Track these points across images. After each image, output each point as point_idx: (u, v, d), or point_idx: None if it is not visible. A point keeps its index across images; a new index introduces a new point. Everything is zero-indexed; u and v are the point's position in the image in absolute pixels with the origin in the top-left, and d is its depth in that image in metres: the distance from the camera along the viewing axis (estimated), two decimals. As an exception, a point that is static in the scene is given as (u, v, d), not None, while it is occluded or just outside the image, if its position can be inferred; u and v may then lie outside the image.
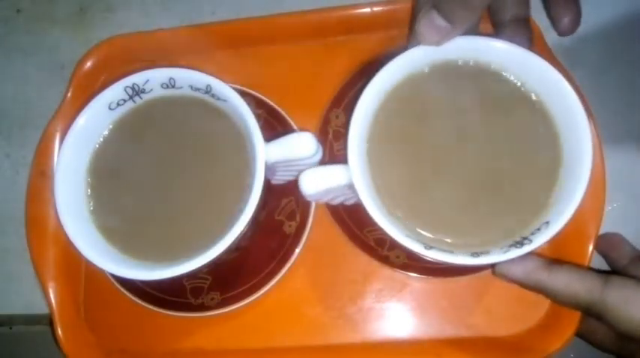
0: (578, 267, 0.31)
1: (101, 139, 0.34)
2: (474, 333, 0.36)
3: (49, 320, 0.39)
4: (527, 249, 0.28)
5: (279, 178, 0.36)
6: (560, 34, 0.35)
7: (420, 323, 0.37)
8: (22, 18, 0.47)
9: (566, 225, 0.28)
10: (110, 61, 0.42)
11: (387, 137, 0.32)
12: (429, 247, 0.28)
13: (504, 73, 0.31)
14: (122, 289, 0.38)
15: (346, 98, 0.39)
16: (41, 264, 0.39)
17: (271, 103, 0.39)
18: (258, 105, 0.38)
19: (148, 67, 0.33)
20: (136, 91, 0.33)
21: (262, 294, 0.37)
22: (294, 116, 0.39)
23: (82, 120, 0.33)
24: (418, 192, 0.31)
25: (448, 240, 0.30)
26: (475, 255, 0.28)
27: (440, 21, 0.29)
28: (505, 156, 0.31)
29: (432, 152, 0.32)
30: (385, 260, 0.36)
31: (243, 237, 0.31)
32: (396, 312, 0.37)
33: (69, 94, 0.40)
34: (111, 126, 0.34)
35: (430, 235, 0.30)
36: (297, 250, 0.37)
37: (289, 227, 0.38)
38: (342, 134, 0.38)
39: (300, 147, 0.31)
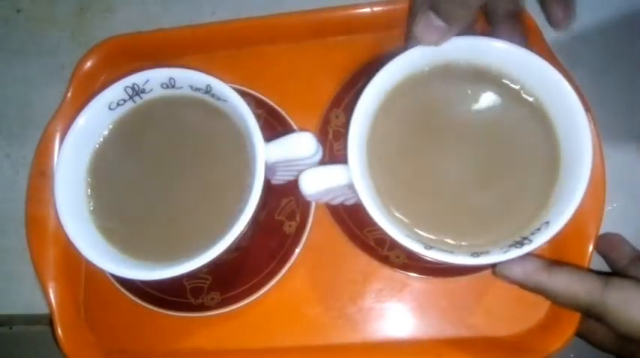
0: (578, 268, 0.31)
1: (101, 139, 0.34)
2: (474, 333, 0.36)
3: (49, 320, 0.39)
4: (527, 249, 0.28)
5: (279, 178, 0.36)
6: (556, 28, 0.35)
7: (420, 323, 0.37)
8: (22, 18, 0.47)
9: (566, 225, 0.28)
10: (110, 61, 0.42)
11: (387, 137, 0.32)
12: (429, 247, 0.28)
13: (504, 73, 0.31)
14: (122, 289, 0.38)
15: (346, 98, 0.39)
16: (41, 264, 0.39)
17: (271, 103, 0.39)
18: (258, 105, 0.38)
19: (148, 67, 0.33)
20: (136, 91, 0.33)
21: (262, 294, 0.37)
22: (294, 116, 0.39)
23: (82, 120, 0.33)
24: (418, 192, 0.31)
25: (448, 241, 0.30)
26: (475, 255, 0.28)
27: (437, 21, 0.29)
28: (505, 156, 0.31)
29: (431, 152, 0.32)
30: (385, 260, 0.36)
31: (243, 237, 0.31)
32: (396, 312, 0.37)
33: (69, 94, 0.40)
34: (111, 126, 0.34)
35: (430, 235, 0.30)
36: (297, 250, 0.37)
37: (289, 227, 0.38)
38: (342, 134, 0.38)
39: (300, 147, 0.31)
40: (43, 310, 0.39)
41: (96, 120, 0.34)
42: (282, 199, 0.38)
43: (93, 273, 0.40)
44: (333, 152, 0.38)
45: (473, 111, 0.32)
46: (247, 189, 0.31)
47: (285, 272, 0.37)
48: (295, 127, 0.38)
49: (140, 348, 0.39)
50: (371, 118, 0.31)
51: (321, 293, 0.38)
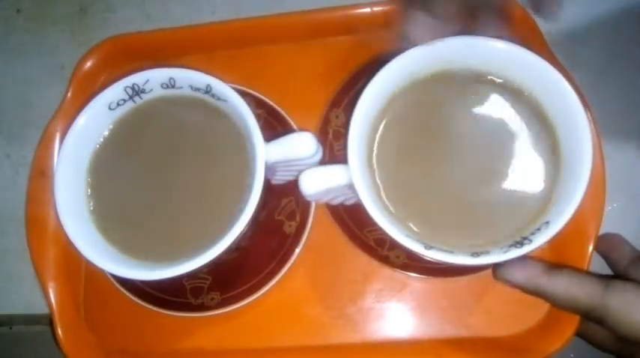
0: (579, 271, 0.31)
1: (101, 139, 0.34)
2: (474, 333, 0.36)
3: (49, 320, 0.39)
4: (527, 249, 0.28)
5: (279, 178, 0.36)
6: (542, 16, 0.35)
7: (420, 323, 0.37)
8: (22, 18, 0.47)
9: (566, 225, 0.28)
10: (110, 61, 0.42)
11: (388, 137, 0.32)
12: (429, 247, 0.28)
13: (504, 73, 0.31)
14: (122, 289, 0.38)
15: (346, 98, 0.39)
16: (41, 264, 0.39)
17: (271, 103, 0.39)
18: (258, 105, 0.38)
19: (148, 67, 0.33)
20: (136, 91, 0.33)
21: (262, 294, 0.37)
22: (294, 116, 0.39)
23: (82, 120, 0.33)
24: (418, 192, 0.31)
25: (448, 240, 0.30)
26: (475, 255, 0.28)
27: (426, 19, 0.29)
28: (504, 156, 0.31)
29: (432, 152, 0.32)
30: (385, 260, 0.36)
31: (243, 237, 0.31)
32: (396, 312, 0.37)
33: (69, 94, 0.40)
34: (111, 126, 0.34)
35: (430, 235, 0.30)
36: (297, 250, 0.37)
37: (289, 227, 0.38)
38: (342, 134, 0.38)
39: (300, 147, 0.31)
40: (43, 310, 0.39)
41: (96, 120, 0.34)
42: (282, 199, 0.38)
43: (93, 273, 0.40)
44: (333, 152, 0.38)
45: (473, 112, 0.32)
46: (247, 189, 0.31)
47: (285, 272, 0.37)
48: (295, 127, 0.38)
49: (140, 348, 0.39)
50: (371, 118, 0.31)
51: (321, 293, 0.38)
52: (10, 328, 0.44)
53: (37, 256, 0.39)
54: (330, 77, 0.39)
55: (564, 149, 0.30)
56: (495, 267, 0.31)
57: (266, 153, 0.31)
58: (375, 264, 0.37)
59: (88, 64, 0.41)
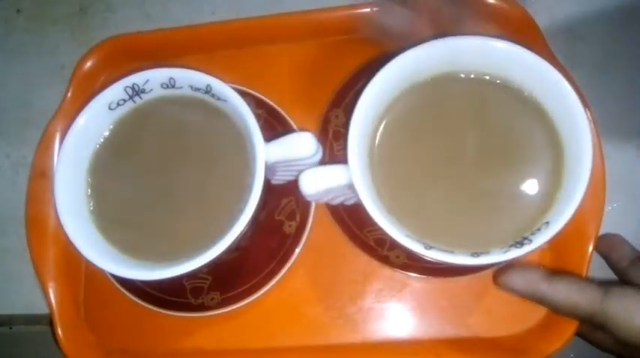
0: (579, 277, 0.31)
1: (101, 139, 0.34)
2: (474, 333, 0.36)
3: (49, 320, 0.39)
4: (527, 249, 0.28)
5: (279, 178, 0.36)
6: None
7: (419, 323, 0.37)
8: (22, 18, 0.47)
9: (566, 225, 0.28)
10: (110, 61, 0.42)
11: (388, 137, 0.32)
12: (429, 247, 0.28)
13: (504, 74, 0.31)
14: (122, 289, 0.38)
15: (346, 98, 0.39)
16: (41, 264, 0.39)
17: (271, 103, 0.39)
18: (258, 105, 0.38)
19: (148, 67, 0.33)
20: (136, 91, 0.33)
21: (262, 294, 0.37)
22: (294, 116, 0.39)
23: (82, 120, 0.33)
24: (418, 192, 0.31)
25: (448, 240, 0.30)
26: (475, 255, 0.28)
27: (403, 12, 0.29)
28: (505, 156, 0.31)
29: (432, 152, 0.32)
30: (385, 260, 0.36)
31: (243, 237, 0.31)
32: (396, 312, 0.37)
33: (69, 94, 0.40)
34: (111, 126, 0.34)
35: (430, 235, 0.30)
36: (297, 250, 0.37)
37: (289, 227, 0.38)
38: (342, 134, 0.38)
39: (300, 147, 0.31)
40: (43, 310, 0.39)
41: (96, 120, 0.34)
42: (282, 199, 0.38)
43: (93, 273, 0.40)
44: (333, 152, 0.38)
45: (473, 112, 0.32)
46: (247, 189, 0.31)
47: (285, 272, 0.37)
48: (295, 127, 0.38)
49: (140, 348, 0.39)
50: (371, 118, 0.31)
51: (321, 293, 0.38)
52: (10, 328, 0.44)
53: (37, 256, 0.39)
54: (330, 77, 0.39)
55: (564, 149, 0.30)
56: (496, 273, 0.31)
57: (266, 153, 0.31)
58: (375, 264, 0.37)
59: (88, 64, 0.41)
